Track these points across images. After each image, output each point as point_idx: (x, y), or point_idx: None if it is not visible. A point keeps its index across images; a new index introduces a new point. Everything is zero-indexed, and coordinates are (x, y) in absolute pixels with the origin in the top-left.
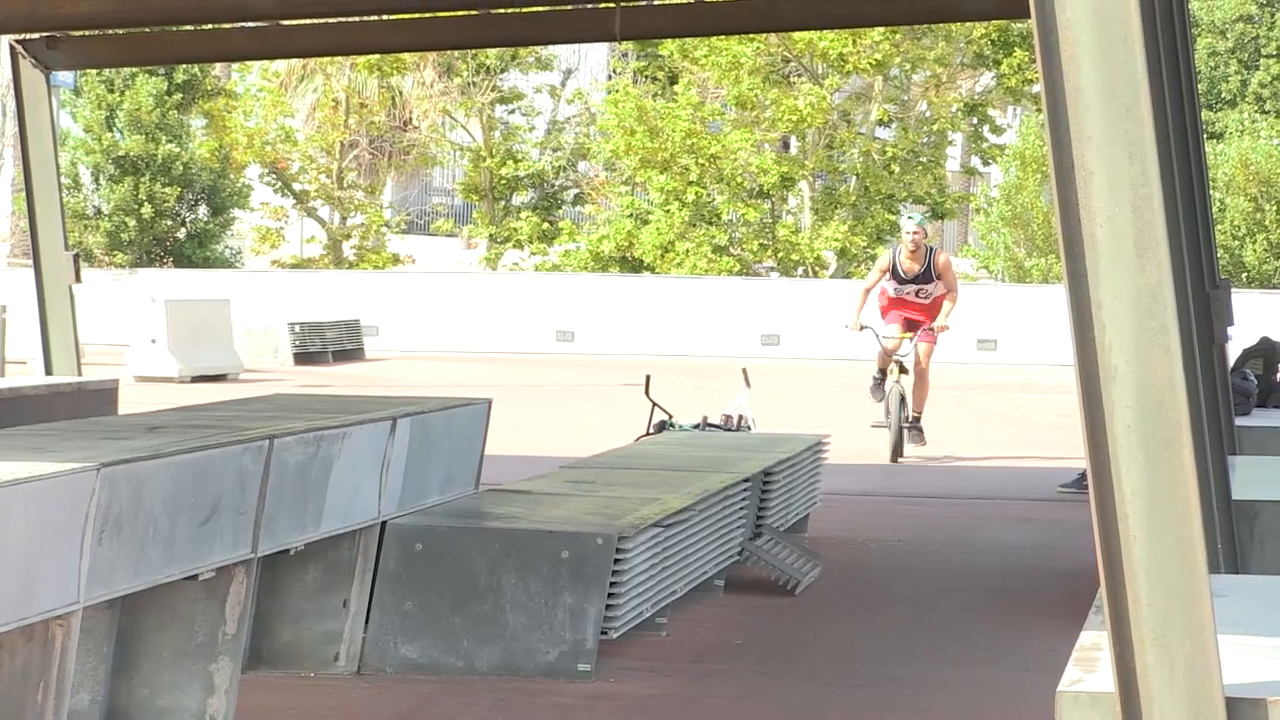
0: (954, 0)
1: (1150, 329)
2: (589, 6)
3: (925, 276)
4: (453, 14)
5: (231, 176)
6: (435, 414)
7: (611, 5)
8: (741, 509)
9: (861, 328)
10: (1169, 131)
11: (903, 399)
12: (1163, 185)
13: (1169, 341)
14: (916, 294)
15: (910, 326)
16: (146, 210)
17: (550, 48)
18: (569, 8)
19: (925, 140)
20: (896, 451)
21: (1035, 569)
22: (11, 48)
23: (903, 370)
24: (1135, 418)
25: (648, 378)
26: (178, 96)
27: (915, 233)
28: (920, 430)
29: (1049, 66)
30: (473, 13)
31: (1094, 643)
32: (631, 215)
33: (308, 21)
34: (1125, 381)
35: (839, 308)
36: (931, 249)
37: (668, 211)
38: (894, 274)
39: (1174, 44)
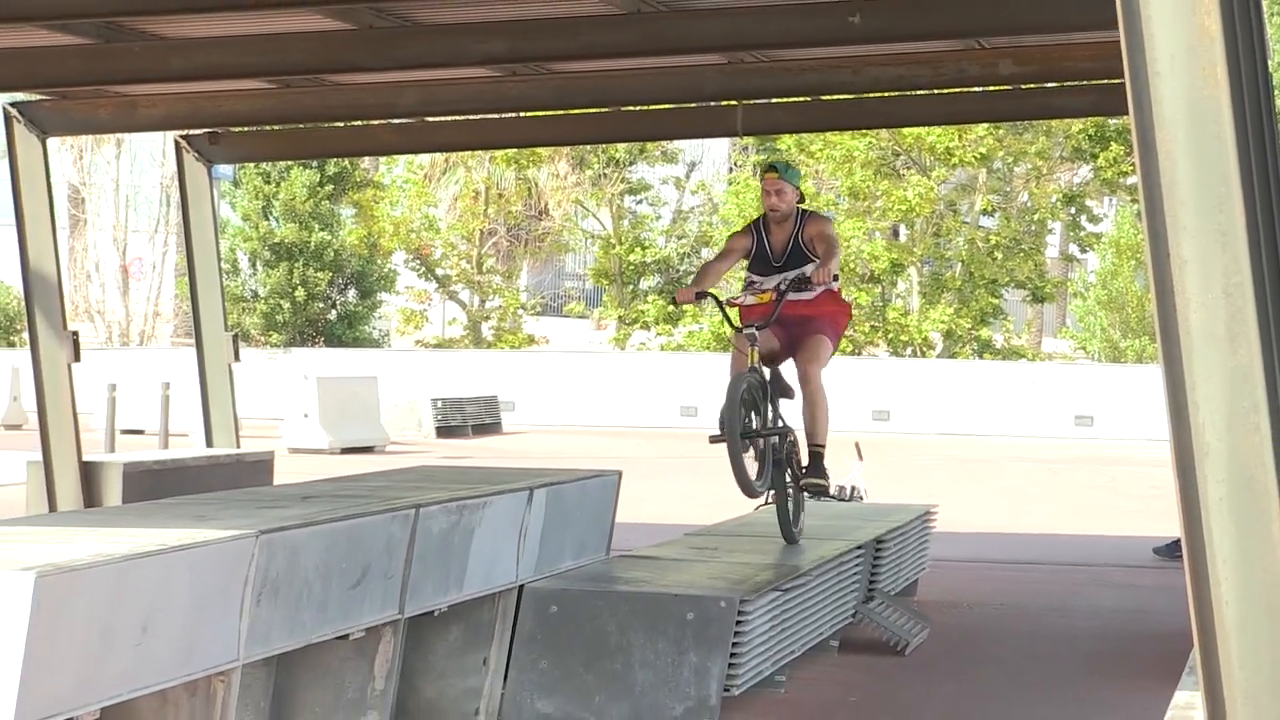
0: (1053, 99)
1: (1242, 408)
2: (713, 105)
3: (797, 256)
4: (585, 111)
5: (378, 262)
6: (569, 484)
7: (734, 104)
8: (855, 574)
9: (699, 295)
10: (1259, 220)
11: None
12: (1253, 271)
13: (1259, 420)
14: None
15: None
16: (300, 293)
17: (676, 142)
18: (694, 106)
19: (1026, 229)
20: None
21: (1129, 631)
22: (177, 143)
23: (782, 391)
24: (1227, 491)
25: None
26: (329, 188)
27: (777, 190)
28: (819, 477)
29: (1146, 161)
30: (604, 110)
31: (1188, 702)
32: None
33: (450, 118)
34: (1218, 457)
35: (946, 386)
36: (802, 212)
37: None
38: (759, 258)
39: (1263, 138)
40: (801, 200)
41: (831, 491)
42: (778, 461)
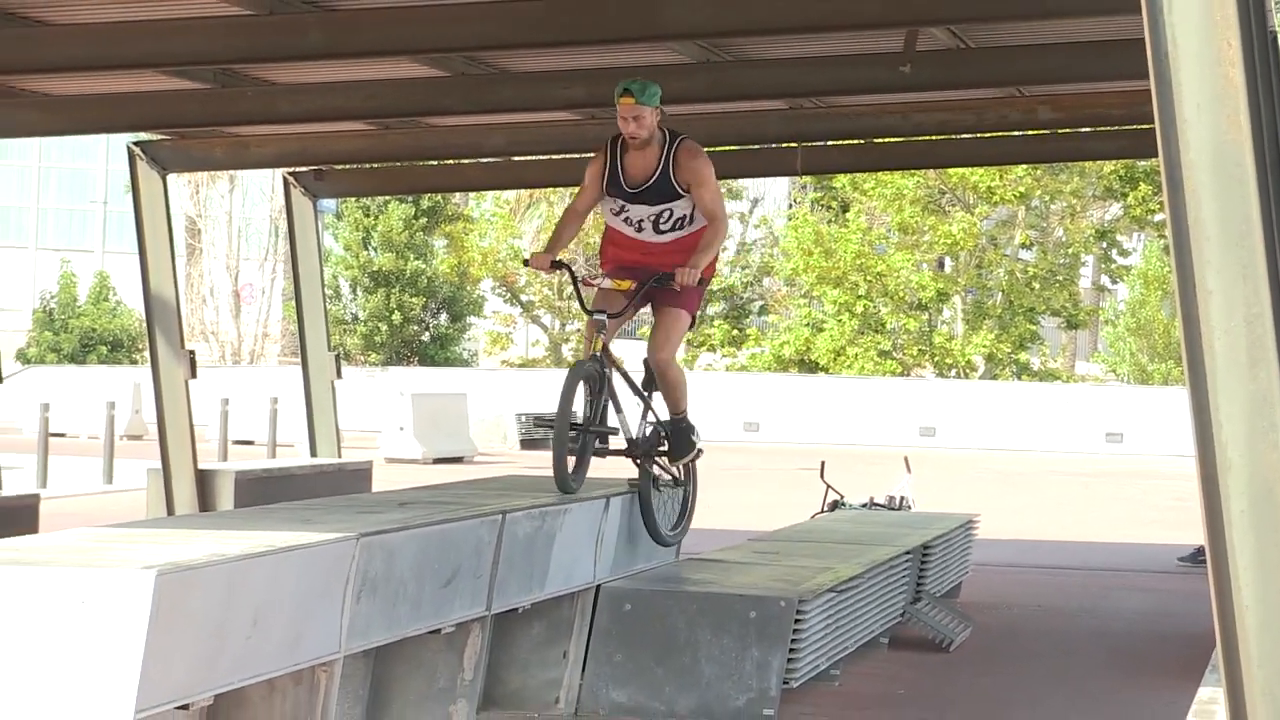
0: (1087, 142)
1: (1261, 428)
2: (775, 146)
3: (664, 187)
4: None
5: (468, 289)
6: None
7: (794, 146)
8: (904, 577)
9: (554, 265)
10: (1277, 256)
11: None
12: (1273, 302)
13: (1278, 438)
14: (656, 223)
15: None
16: (396, 317)
17: (740, 180)
18: (758, 147)
19: (1061, 261)
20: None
21: (1155, 632)
22: (285, 179)
23: (615, 365)
24: (1248, 504)
25: (822, 464)
26: (423, 220)
27: (633, 115)
28: (684, 449)
29: (1174, 200)
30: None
31: (1210, 697)
32: (808, 324)
33: (534, 158)
34: (1239, 472)
35: (987, 405)
36: (676, 137)
37: (840, 321)
38: (611, 183)
39: None
40: (663, 120)
41: (881, 501)
42: (642, 457)
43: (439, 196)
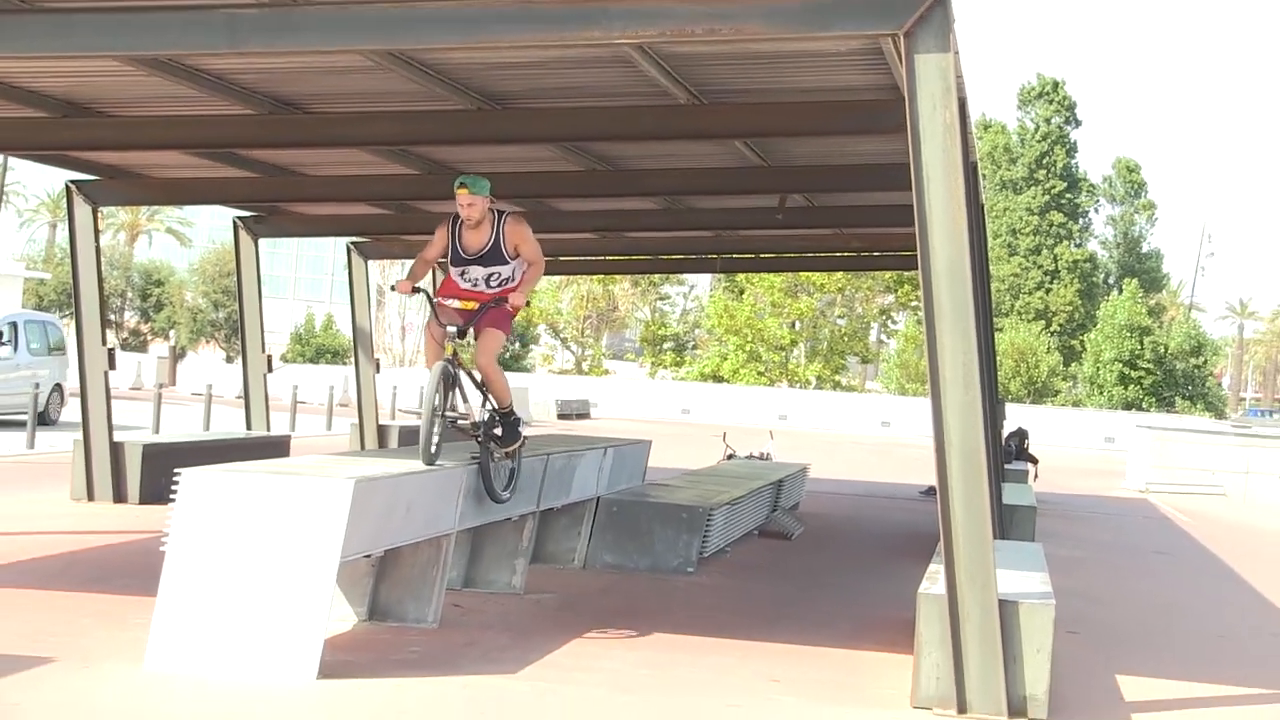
0: (877, 260)
1: (970, 420)
2: (704, 256)
3: (495, 254)
4: (634, 257)
5: (531, 329)
6: (625, 446)
7: (715, 256)
8: (768, 497)
9: (414, 289)
10: (981, 326)
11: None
12: (979, 352)
13: (978, 425)
14: (487, 280)
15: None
16: None
17: (683, 274)
18: (695, 257)
19: (859, 326)
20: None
21: (907, 533)
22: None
23: (462, 365)
24: (960, 461)
25: (724, 434)
26: None
27: (468, 203)
28: (512, 440)
29: (927, 293)
30: (645, 258)
31: (936, 570)
32: (719, 356)
33: (568, 258)
34: (957, 442)
35: (818, 405)
36: (502, 214)
37: (737, 355)
38: (452, 253)
39: (984, 283)
40: (494, 202)
41: (757, 454)
42: (481, 437)
43: None
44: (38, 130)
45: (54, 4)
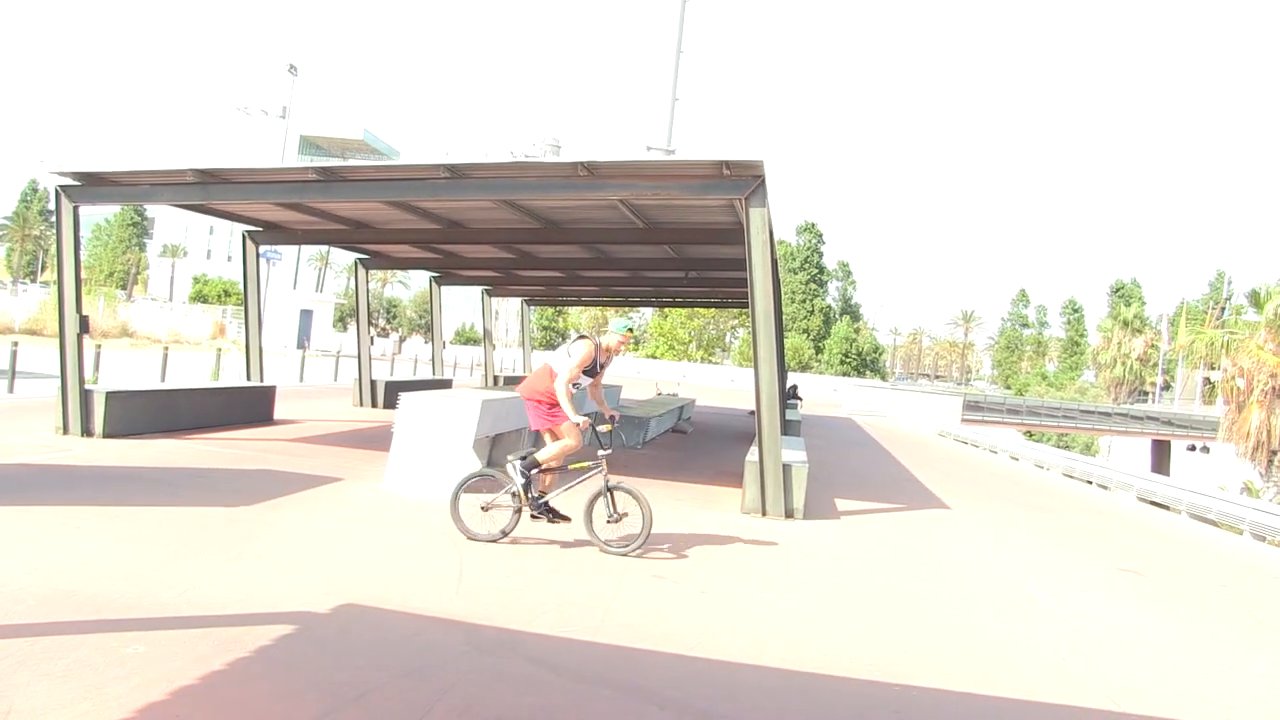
0: (725, 298)
1: (771, 379)
2: (652, 300)
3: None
4: (613, 302)
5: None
6: (610, 388)
7: (654, 300)
8: (678, 413)
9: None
10: (778, 336)
11: None
12: (776, 347)
13: (774, 381)
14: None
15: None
16: None
17: (637, 307)
18: (638, 299)
19: (722, 332)
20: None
21: (741, 432)
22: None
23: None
24: (767, 404)
25: (657, 383)
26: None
27: (626, 343)
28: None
29: (753, 318)
30: (619, 300)
31: (753, 449)
32: (659, 346)
33: (577, 288)
34: (766, 396)
35: (706, 372)
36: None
37: (668, 346)
38: (589, 368)
39: (779, 315)
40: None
41: (672, 392)
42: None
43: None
44: (342, 235)
45: (352, 176)
